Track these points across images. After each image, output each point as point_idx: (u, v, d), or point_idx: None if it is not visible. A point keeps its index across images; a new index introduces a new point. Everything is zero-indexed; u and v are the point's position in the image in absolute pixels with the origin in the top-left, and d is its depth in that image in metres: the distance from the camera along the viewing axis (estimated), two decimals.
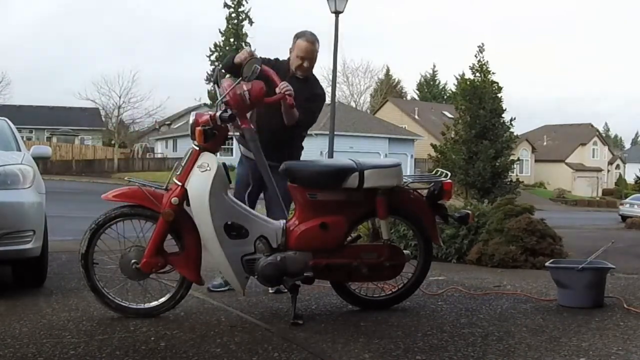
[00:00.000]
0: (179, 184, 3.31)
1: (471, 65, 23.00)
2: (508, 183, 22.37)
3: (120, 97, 39.66)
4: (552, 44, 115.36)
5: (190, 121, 3.41)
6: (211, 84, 54.72)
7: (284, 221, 3.54)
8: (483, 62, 22.68)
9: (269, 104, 3.69)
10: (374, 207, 3.53)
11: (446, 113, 43.55)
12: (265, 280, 3.40)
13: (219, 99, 3.56)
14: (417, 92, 66.03)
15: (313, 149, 34.66)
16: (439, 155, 22.62)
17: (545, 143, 51.31)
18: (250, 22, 57.12)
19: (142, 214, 3.40)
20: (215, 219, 3.26)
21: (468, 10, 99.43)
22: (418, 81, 66.92)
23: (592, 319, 3.51)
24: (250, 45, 57.13)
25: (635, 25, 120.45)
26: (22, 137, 5.31)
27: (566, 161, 49.59)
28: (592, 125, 54.97)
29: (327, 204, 3.46)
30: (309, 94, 4.02)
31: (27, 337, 2.98)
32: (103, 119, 44.28)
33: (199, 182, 3.26)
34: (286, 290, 3.50)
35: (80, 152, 40.40)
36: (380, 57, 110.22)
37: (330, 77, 14.82)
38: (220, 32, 57.14)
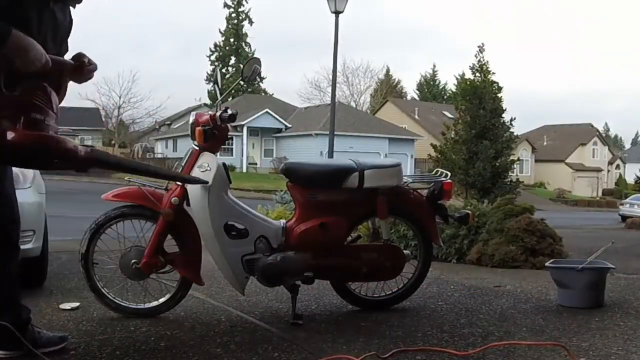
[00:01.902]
0: (179, 184, 3.31)
1: (471, 65, 22.95)
2: (508, 183, 22.32)
3: (120, 97, 39.81)
4: (552, 44, 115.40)
5: (190, 121, 3.41)
6: (211, 84, 54.82)
7: (284, 221, 3.54)
8: (483, 62, 22.65)
9: None
10: (374, 207, 3.53)
11: (446, 113, 43.53)
12: (265, 280, 3.39)
13: (219, 98, 3.57)
14: (417, 92, 66.12)
15: (313, 149, 34.83)
16: (439, 155, 22.56)
17: (545, 143, 51.32)
18: (250, 22, 57.31)
19: (142, 214, 3.40)
20: (215, 219, 3.26)
21: (468, 10, 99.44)
22: (418, 81, 67.10)
23: (592, 319, 3.51)
24: (250, 46, 57.27)
25: (636, 26, 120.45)
26: None
27: (566, 161, 49.61)
28: (592, 125, 54.98)
29: (327, 204, 3.46)
30: None
31: None
32: (103, 119, 44.32)
33: None
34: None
35: None
36: (380, 57, 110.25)
37: (330, 77, 14.81)
38: (220, 32, 57.31)
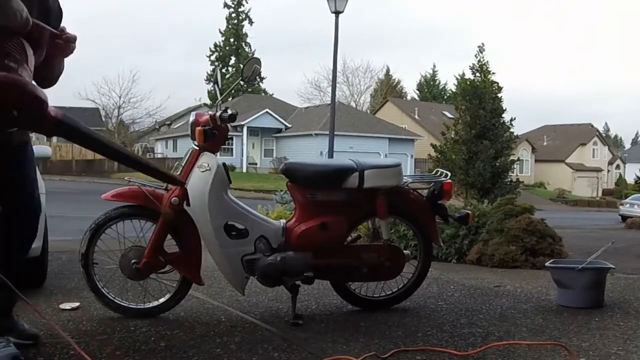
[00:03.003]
0: None
1: (471, 65, 22.95)
2: (508, 183, 22.32)
3: (120, 97, 39.74)
4: (552, 44, 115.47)
5: (190, 121, 3.41)
6: (211, 84, 54.84)
7: (284, 221, 3.54)
8: (483, 62, 22.66)
9: None
10: (374, 207, 3.53)
11: (446, 113, 43.53)
12: (265, 280, 3.40)
13: (219, 98, 3.57)
14: (417, 92, 66.08)
15: (313, 149, 34.83)
16: (439, 155, 22.58)
17: (545, 143, 51.32)
18: (250, 22, 57.36)
19: (142, 214, 3.40)
20: (215, 219, 3.26)
21: (468, 10, 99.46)
22: (418, 81, 67.05)
23: (592, 319, 3.51)
24: (250, 46, 57.30)
25: (636, 26, 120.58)
26: None
27: (566, 161, 49.62)
28: (592, 125, 54.99)
29: (327, 204, 3.46)
30: None
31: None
32: (103, 119, 44.29)
33: (199, 182, 3.26)
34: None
35: (80, 152, 40.35)
36: (380, 57, 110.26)
37: (330, 77, 14.80)
38: (220, 32, 57.32)
